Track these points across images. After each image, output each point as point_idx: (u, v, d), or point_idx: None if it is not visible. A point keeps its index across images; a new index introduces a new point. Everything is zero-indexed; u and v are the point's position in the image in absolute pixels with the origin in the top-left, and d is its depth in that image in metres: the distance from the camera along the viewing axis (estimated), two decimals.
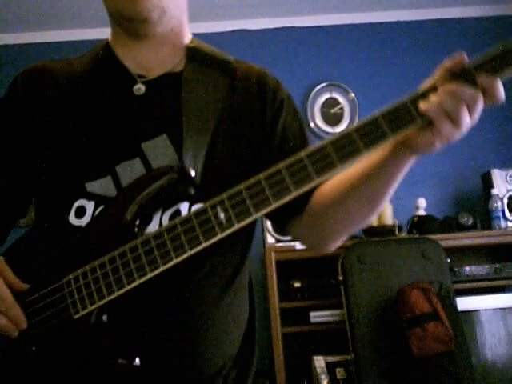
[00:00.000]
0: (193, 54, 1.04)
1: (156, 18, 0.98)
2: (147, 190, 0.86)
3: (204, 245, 0.79)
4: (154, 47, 1.03)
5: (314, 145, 0.80)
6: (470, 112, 0.76)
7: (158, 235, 0.82)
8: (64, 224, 0.92)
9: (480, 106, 0.76)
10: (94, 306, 0.83)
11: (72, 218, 0.92)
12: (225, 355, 0.95)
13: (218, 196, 0.80)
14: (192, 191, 0.88)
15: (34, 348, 0.86)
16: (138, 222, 0.87)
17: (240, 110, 1.00)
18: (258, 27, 3.41)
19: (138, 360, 0.83)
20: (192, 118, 0.95)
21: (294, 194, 0.79)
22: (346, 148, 0.76)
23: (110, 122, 0.97)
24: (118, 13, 0.98)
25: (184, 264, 0.84)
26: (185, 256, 0.80)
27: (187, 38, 1.08)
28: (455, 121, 0.75)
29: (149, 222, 0.89)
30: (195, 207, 0.89)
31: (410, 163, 0.85)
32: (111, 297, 0.82)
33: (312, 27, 3.43)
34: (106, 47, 1.07)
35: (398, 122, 0.76)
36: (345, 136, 0.77)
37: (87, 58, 1.07)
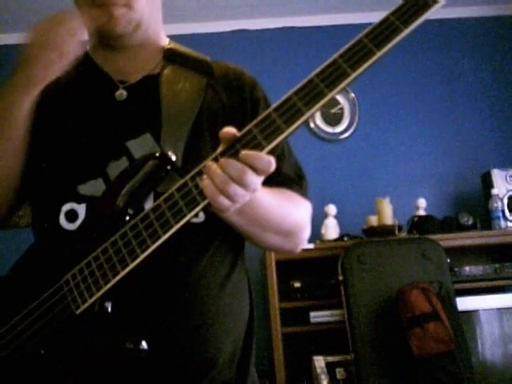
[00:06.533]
0: (170, 55, 1.08)
1: (131, 32, 1.02)
2: (132, 181, 0.88)
3: (188, 216, 0.79)
4: (132, 56, 1.07)
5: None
6: (240, 185, 0.75)
7: (144, 216, 0.83)
8: (56, 229, 0.95)
9: (248, 179, 0.75)
10: (93, 298, 0.84)
11: (63, 222, 0.95)
12: (234, 341, 0.97)
13: (195, 167, 0.81)
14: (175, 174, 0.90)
15: (42, 351, 0.86)
16: (130, 211, 0.88)
17: (219, 106, 1.03)
18: (258, 27, 3.41)
19: (144, 343, 0.83)
20: (170, 114, 0.99)
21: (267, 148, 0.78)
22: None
23: (95, 127, 1.00)
24: (93, 28, 1.01)
25: (184, 256, 0.89)
26: (172, 231, 0.80)
27: (164, 41, 1.11)
28: (227, 197, 0.76)
29: (142, 211, 0.90)
30: None
31: (236, 218, 0.88)
32: (108, 285, 0.83)
33: (312, 27, 3.43)
34: (86, 56, 1.10)
35: None
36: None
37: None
